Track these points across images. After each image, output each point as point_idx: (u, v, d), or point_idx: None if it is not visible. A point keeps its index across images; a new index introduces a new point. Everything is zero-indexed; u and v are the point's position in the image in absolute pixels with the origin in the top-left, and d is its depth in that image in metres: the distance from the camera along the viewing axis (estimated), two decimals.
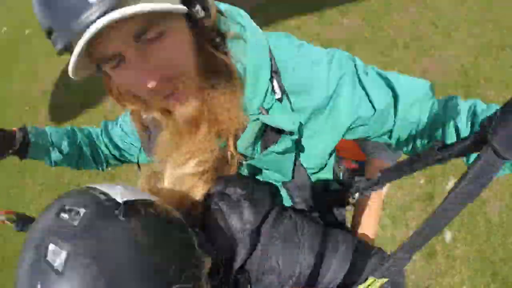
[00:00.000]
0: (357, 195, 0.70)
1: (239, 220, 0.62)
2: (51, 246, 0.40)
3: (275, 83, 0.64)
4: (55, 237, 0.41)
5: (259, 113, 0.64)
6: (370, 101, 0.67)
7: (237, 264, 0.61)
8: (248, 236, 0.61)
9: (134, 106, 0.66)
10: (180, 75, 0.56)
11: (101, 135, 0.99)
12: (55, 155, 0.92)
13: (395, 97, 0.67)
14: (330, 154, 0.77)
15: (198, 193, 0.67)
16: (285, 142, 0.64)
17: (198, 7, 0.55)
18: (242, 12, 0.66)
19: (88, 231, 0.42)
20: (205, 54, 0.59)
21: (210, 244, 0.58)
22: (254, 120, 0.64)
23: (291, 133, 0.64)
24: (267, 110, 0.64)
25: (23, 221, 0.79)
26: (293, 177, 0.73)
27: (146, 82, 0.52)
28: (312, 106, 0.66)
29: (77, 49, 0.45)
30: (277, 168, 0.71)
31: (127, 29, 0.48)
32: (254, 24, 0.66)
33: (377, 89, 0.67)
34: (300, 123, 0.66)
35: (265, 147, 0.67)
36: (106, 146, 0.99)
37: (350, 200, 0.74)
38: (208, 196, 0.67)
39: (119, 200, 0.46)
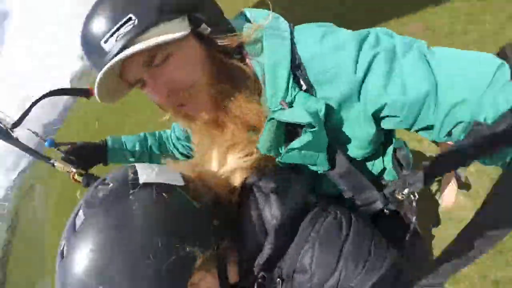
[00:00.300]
0: (406, 191, 0.63)
1: (269, 213, 0.61)
2: (80, 212, 0.51)
3: (299, 76, 0.64)
4: (84, 205, 0.51)
5: (280, 108, 0.64)
6: (403, 87, 0.57)
7: (261, 259, 0.59)
8: (274, 231, 0.59)
9: (168, 112, 0.75)
10: (187, 87, 0.64)
11: (171, 136, 1.15)
12: (130, 158, 1.12)
13: (435, 87, 0.56)
14: (384, 143, 0.73)
15: (237, 178, 0.67)
16: (305, 137, 0.61)
17: (203, 25, 0.62)
18: (266, 12, 0.69)
19: (103, 204, 0.50)
20: (217, 63, 0.65)
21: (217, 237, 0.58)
22: (269, 120, 0.64)
23: (312, 126, 0.60)
24: (289, 103, 0.64)
25: (88, 178, 0.96)
26: (332, 167, 0.69)
27: (155, 97, 0.65)
28: (337, 95, 0.62)
29: (99, 76, 0.59)
30: (310, 162, 0.68)
31: (137, 60, 0.61)
32: (278, 21, 0.68)
33: (414, 73, 0.57)
34: (328, 107, 0.62)
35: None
36: (174, 145, 1.14)
37: (399, 196, 0.66)
38: (244, 186, 0.67)
39: (141, 181, 0.53)
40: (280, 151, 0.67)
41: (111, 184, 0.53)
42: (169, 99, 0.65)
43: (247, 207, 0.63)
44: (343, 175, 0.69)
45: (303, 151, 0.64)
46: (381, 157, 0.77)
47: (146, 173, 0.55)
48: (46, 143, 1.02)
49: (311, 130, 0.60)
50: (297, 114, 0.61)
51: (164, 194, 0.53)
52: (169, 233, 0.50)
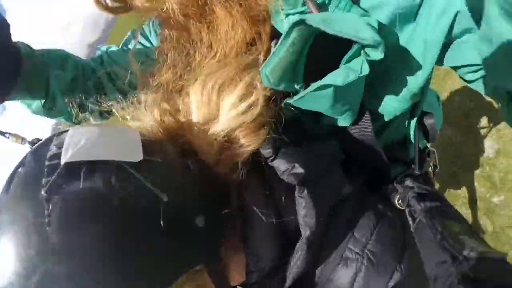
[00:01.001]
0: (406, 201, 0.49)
1: (300, 218, 0.41)
2: None
3: None
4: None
5: (302, 12, 0.40)
6: None
7: (288, 282, 0.43)
8: (306, 247, 0.41)
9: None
10: None
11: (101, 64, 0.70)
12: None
13: None
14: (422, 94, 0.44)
15: (244, 148, 0.41)
16: (354, 67, 0.34)
17: None
18: None
19: (7, 207, 0.32)
20: None
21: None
22: (295, 25, 0.34)
23: (365, 47, 0.34)
24: (321, 4, 0.38)
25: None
26: (356, 122, 0.43)
27: None
28: (391, 7, 0.36)
29: None
30: (331, 114, 0.41)
31: None
32: None
33: None
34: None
35: (315, 76, 0.36)
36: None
37: (397, 203, 0.51)
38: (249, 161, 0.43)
39: (63, 160, 0.31)
40: (296, 86, 0.40)
41: (24, 167, 0.34)
42: None
43: (257, 200, 0.42)
44: (359, 140, 0.45)
45: (341, 90, 0.36)
46: (407, 120, 0.49)
47: (75, 142, 0.33)
48: None
49: (370, 57, 0.33)
50: (351, 22, 0.33)
51: (100, 182, 0.31)
52: (110, 269, 0.30)
